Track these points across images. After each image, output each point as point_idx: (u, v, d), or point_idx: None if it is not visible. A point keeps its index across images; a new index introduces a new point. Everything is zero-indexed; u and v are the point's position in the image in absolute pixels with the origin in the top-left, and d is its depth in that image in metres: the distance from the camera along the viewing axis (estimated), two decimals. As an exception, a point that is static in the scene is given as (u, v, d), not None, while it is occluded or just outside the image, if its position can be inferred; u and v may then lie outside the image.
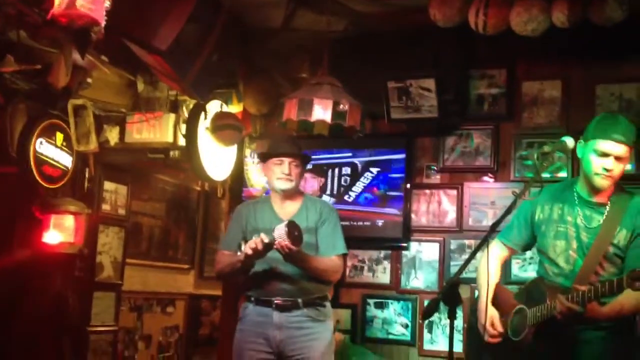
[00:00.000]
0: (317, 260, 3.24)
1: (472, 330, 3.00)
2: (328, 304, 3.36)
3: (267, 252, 3.08)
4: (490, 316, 2.76)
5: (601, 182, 2.64)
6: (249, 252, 3.06)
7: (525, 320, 2.66)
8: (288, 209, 3.35)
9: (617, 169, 2.63)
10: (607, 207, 2.66)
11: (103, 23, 2.37)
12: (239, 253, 3.16)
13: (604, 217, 2.64)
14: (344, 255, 3.39)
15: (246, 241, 3.13)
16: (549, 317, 2.57)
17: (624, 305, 2.54)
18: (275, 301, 3.22)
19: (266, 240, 3.03)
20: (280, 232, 3.03)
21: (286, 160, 3.29)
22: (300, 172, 3.37)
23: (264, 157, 3.41)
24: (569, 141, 2.65)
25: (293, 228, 3.05)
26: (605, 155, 2.61)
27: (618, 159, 2.61)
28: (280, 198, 3.36)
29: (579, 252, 2.65)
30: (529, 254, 3.66)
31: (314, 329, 3.23)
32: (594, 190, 2.70)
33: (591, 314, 2.50)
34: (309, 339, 3.20)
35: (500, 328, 2.74)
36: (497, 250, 2.94)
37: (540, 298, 2.65)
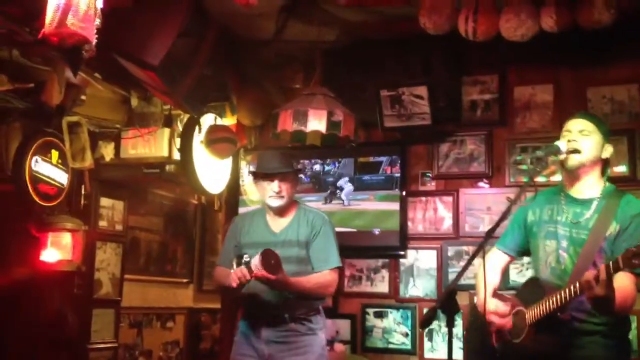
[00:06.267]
0: (306, 281, 3.20)
1: (472, 333, 3.00)
2: (319, 317, 3.31)
3: (250, 280, 3.07)
4: (495, 305, 2.73)
5: (570, 161, 2.64)
6: (234, 285, 3.06)
7: (524, 321, 2.65)
8: (280, 222, 3.35)
9: (582, 142, 2.63)
10: (598, 202, 2.64)
11: (94, 41, 2.37)
12: (231, 271, 3.12)
13: (599, 211, 2.61)
14: (338, 268, 3.32)
15: (238, 257, 3.12)
16: (547, 313, 2.55)
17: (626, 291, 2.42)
18: (263, 316, 3.23)
19: (248, 277, 3.02)
20: (256, 263, 3.00)
21: (275, 178, 3.27)
22: (292, 186, 3.34)
23: (254, 175, 3.40)
24: (562, 145, 2.66)
25: (268, 257, 3.00)
26: (568, 132, 2.67)
27: (581, 132, 2.64)
28: (274, 211, 3.36)
29: (569, 251, 2.64)
30: (526, 259, 3.66)
31: (303, 342, 3.21)
32: (572, 177, 2.69)
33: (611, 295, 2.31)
34: (297, 353, 3.19)
35: (505, 310, 2.70)
36: (495, 258, 2.93)
37: (537, 296, 2.64)
